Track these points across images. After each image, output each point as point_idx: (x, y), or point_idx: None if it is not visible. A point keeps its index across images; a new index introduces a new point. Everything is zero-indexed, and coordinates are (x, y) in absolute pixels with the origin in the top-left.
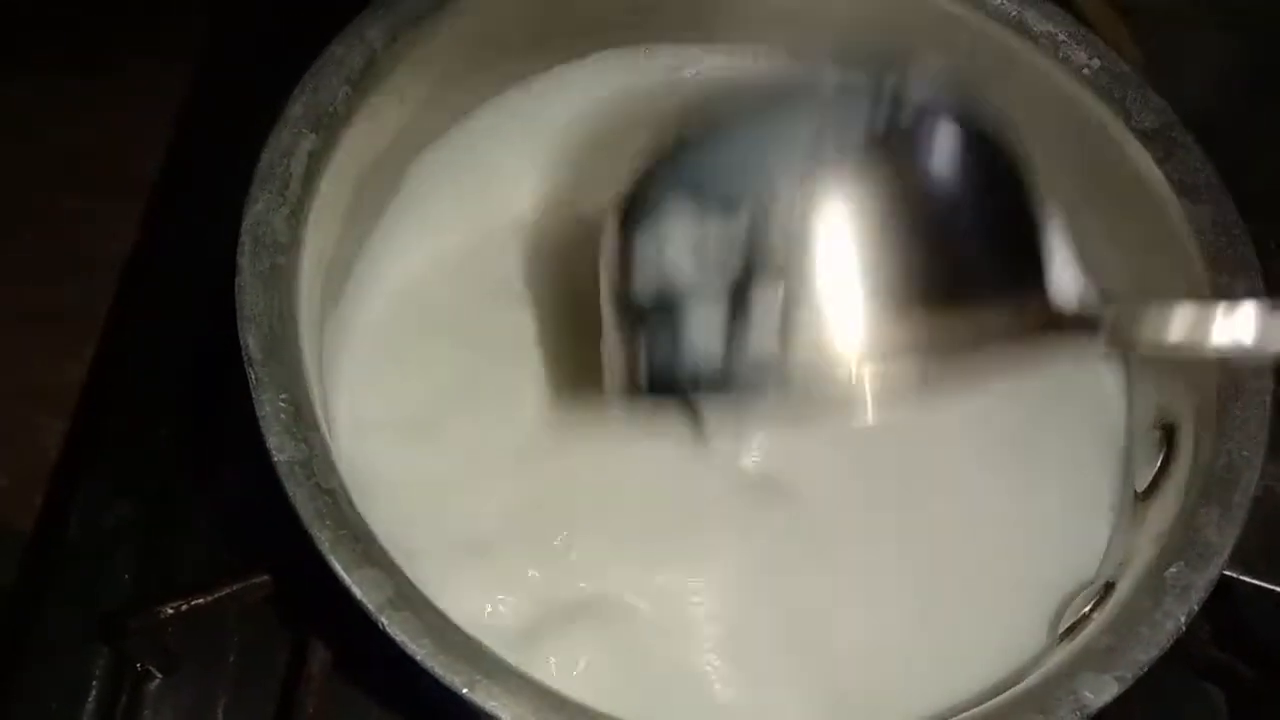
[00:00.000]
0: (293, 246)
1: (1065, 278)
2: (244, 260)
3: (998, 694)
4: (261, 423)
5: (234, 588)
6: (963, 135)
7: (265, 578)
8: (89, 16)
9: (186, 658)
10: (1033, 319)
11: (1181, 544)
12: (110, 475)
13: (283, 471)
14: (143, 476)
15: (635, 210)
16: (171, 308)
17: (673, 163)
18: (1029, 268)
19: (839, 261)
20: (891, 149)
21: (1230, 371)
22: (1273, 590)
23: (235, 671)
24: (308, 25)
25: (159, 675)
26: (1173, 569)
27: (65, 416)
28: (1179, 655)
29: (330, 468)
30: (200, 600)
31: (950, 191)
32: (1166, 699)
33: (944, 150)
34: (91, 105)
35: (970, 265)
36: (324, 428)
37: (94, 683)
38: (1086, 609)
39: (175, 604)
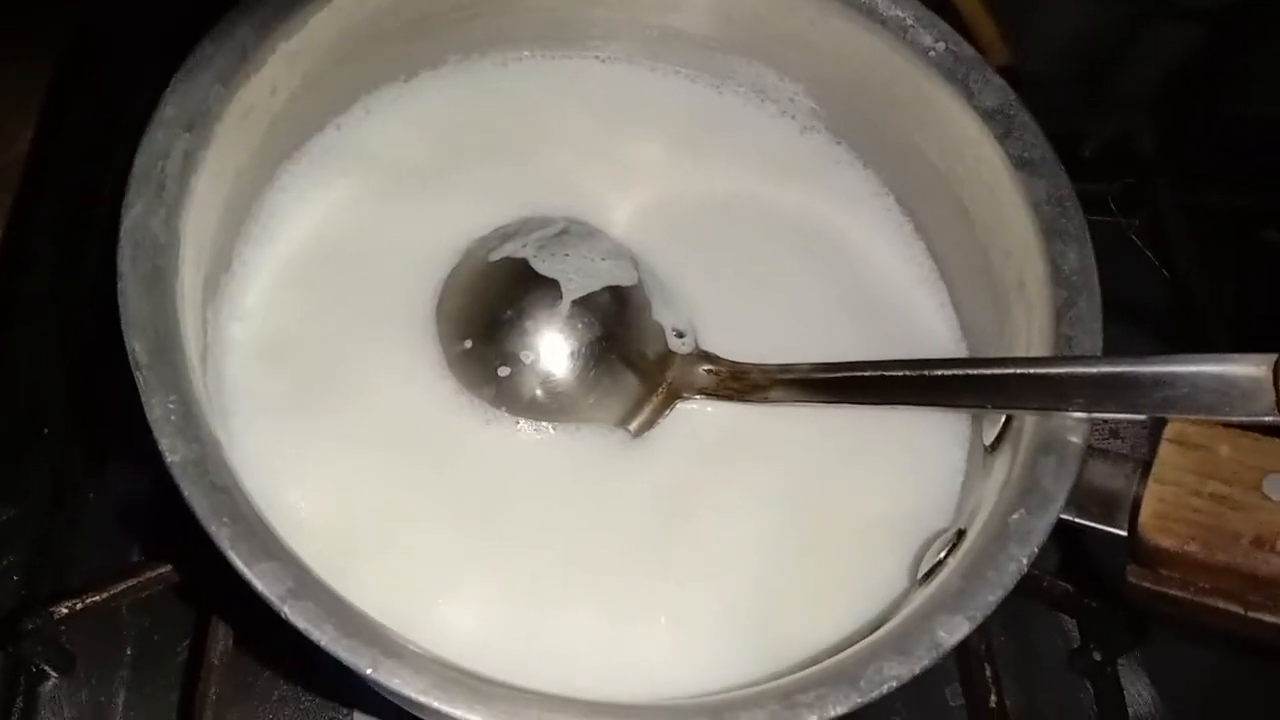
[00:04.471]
0: (171, 247)
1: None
2: (125, 265)
3: (864, 636)
4: (153, 426)
5: (131, 582)
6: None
7: (162, 570)
8: None
9: (81, 655)
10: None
11: (1022, 492)
12: None
13: (176, 473)
14: (27, 477)
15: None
16: (46, 305)
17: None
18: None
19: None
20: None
21: (1061, 334)
22: (1105, 530)
23: (132, 665)
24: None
25: (54, 675)
26: (1015, 516)
27: None
28: (1033, 589)
29: (222, 464)
30: (95, 598)
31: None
32: (1024, 628)
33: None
34: None
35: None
36: (212, 422)
37: None
38: (942, 554)
39: (70, 603)
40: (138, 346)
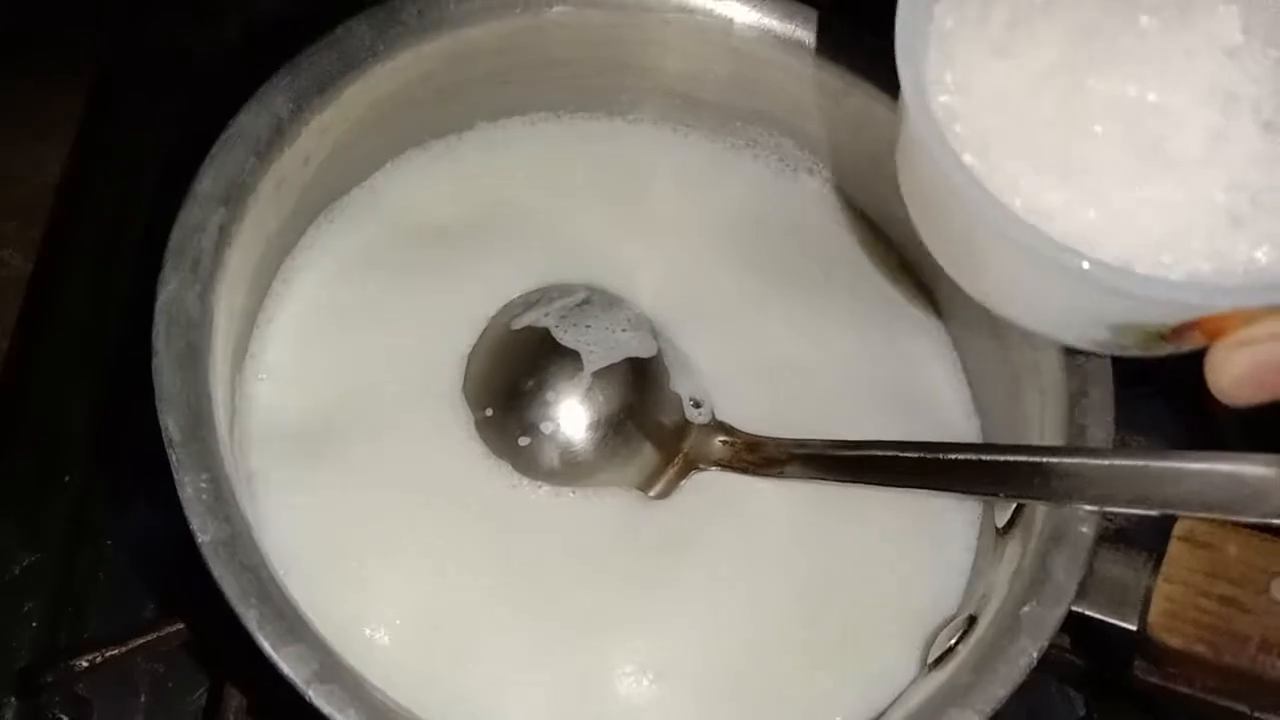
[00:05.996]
0: (204, 323)
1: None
2: (159, 343)
3: None
4: (185, 505)
5: (150, 637)
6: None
7: (179, 626)
8: None
9: (98, 703)
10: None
11: (1033, 583)
12: (14, 523)
13: (207, 553)
14: (47, 523)
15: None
16: (71, 350)
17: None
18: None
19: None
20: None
21: (1075, 422)
22: (1114, 624)
23: (147, 712)
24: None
25: None
26: (1026, 608)
27: None
28: (1042, 663)
29: (252, 544)
30: (114, 651)
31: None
32: (1032, 701)
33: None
34: None
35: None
36: (242, 500)
37: None
38: (952, 641)
39: (90, 656)
40: (170, 424)
